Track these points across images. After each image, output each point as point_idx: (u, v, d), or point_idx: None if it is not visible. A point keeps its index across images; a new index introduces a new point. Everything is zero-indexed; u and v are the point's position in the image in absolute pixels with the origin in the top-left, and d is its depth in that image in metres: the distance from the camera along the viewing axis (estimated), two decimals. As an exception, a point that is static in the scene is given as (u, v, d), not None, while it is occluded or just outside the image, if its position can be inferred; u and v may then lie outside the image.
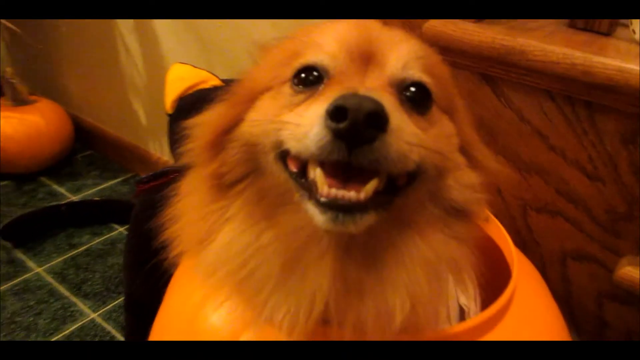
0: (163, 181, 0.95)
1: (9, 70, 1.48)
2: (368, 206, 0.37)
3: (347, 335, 0.45)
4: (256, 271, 0.44)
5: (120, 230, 1.34)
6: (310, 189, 0.39)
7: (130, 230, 1.00)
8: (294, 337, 0.45)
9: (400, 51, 0.42)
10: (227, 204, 0.45)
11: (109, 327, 1.07)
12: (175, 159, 0.91)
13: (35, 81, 1.66)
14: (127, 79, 1.50)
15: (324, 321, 0.46)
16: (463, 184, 0.44)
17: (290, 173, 0.41)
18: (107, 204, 1.42)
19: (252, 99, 0.45)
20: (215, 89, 0.84)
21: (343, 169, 0.37)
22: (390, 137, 0.35)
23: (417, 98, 0.42)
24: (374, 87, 0.39)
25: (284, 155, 0.41)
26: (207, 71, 0.85)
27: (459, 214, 0.44)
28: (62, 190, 1.50)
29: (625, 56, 0.73)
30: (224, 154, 0.45)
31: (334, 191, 0.37)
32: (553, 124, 0.79)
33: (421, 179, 0.42)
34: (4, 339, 1.03)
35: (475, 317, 0.54)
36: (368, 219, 0.38)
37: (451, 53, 0.83)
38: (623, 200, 0.77)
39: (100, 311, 1.11)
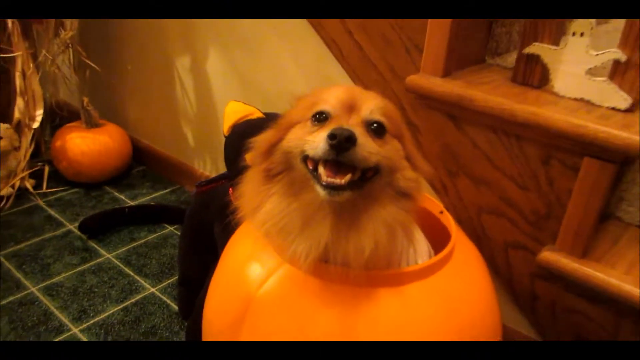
0: (215, 185, 1.25)
1: (85, 99, 1.76)
2: (346, 187, 0.66)
3: (337, 267, 0.75)
4: (287, 225, 0.74)
5: (170, 229, 1.61)
6: (318, 178, 0.69)
7: (186, 221, 1.26)
8: (306, 267, 0.75)
9: (369, 104, 0.72)
10: (272, 186, 0.75)
11: (164, 298, 1.33)
12: (227, 169, 1.20)
13: (104, 109, 1.91)
14: (180, 108, 1.76)
15: (324, 260, 0.76)
16: (406, 177, 0.73)
17: (308, 169, 0.72)
18: (160, 208, 1.69)
19: (289, 127, 0.76)
20: (258, 119, 1.12)
21: (335, 166, 0.68)
22: (358, 148, 0.65)
23: (377, 129, 0.71)
24: (353, 124, 0.68)
25: (305, 158, 0.71)
26: (253, 107, 1.17)
27: (404, 195, 0.73)
28: (122, 197, 1.78)
29: (541, 103, 1.01)
30: (272, 158, 0.76)
31: (329, 179, 0.67)
32: (496, 150, 1.02)
33: (381, 174, 0.71)
34: (86, 305, 1.31)
35: (423, 263, 0.84)
36: (346, 195, 0.67)
37: (426, 99, 1.12)
38: (543, 204, 0.99)
39: (158, 287, 1.37)
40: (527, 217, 1.04)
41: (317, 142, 0.67)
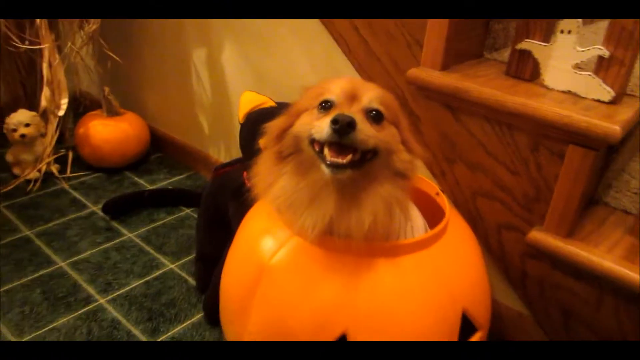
0: (231, 169, 1.35)
1: (106, 89, 1.85)
2: (347, 166, 0.76)
3: (341, 238, 0.84)
4: (296, 201, 0.83)
5: (187, 211, 1.70)
6: (323, 158, 0.78)
7: (203, 202, 1.35)
8: (313, 238, 0.84)
9: (369, 94, 0.81)
10: (283, 167, 0.85)
11: (182, 274, 1.42)
12: (242, 154, 1.30)
13: (124, 98, 2.00)
14: (196, 98, 1.85)
15: (329, 233, 0.85)
16: (402, 159, 0.82)
17: (315, 151, 0.81)
18: (178, 192, 1.78)
19: (298, 114, 0.85)
20: (271, 108, 1.21)
21: (338, 148, 0.77)
22: (357, 132, 0.74)
23: (375, 116, 0.79)
24: (354, 111, 0.77)
25: (312, 141, 0.81)
26: (266, 96, 1.26)
27: (400, 175, 0.82)
28: (141, 181, 1.87)
29: (531, 95, 1.10)
30: (283, 141, 0.85)
31: (333, 159, 0.76)
32: (489, 138, 1.10)
33: (379, 156, 0.81)
34: (111, 279, 1.42)
35: (419, 237, 0.93)
36: (347, 173, 0.76)
37: (425, 90, 1.21)
38: (532, 188, 1.07)
39: (177, 263, 1.46)
40: (518, 200, 1.13)
41: (322, 126, 0.76)
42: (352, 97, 0.80)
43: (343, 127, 0.73)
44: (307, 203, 0.82)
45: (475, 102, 1.08)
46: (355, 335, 0.84)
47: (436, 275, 0.89)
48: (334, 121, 0.73)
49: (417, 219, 0.99)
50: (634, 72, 1.13)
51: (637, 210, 1.13)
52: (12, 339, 1.20)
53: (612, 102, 1.03)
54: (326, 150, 0.77)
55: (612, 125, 0.94)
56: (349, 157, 0.76)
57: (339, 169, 0.76)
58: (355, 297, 0.85)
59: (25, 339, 1.20)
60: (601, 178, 1.19)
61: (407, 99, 1.23)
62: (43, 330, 1.23)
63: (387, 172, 0.82)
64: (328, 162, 0.76)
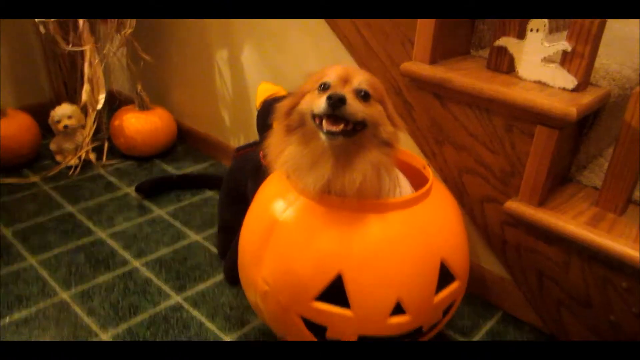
0: (249, 150, 1.54)
1: (139, 86, 2.06)
2: (340, 134, 0.93)
3: (336, 197, 1.03)
4: (300, 165, 1.01)
5: (210, 193, 1.89)
6: (321, 128, 0.97)
7: (225, 179, 1.52)
8: (314, 194, 1.03)
9: (358, 78, 0.98)
10: (290, 137, 1.03)
11: (206, 244, 1.61)
12: (259, 136, 1.49)
13: (154, 94, 2.19)
14: (218, 94, 2.04)
15: (327, 192, 1.04)
16: (387, 131, 1.00)
17: (315, 123, 0.99)
18: (202, 177, 1.97)
19: (303, 95, 1.04)
20: (283, 96, 1.40)
21: (333, 119, 0.95)
22: (347, 106, 0.91)
23: (364, 95, 0.96)
24: (345, 91, 0.94)
25: (313, 116, 1.00)
26: (280, 87, 1.46)
27: (386, 144, 1.00)
28: (169, 168, 2.07)
29: (506, 84, 1.25)
30: (291, 117, 1.04)
31: (328, 127, 0.94)
32: (471, 121, 1.26)
33: (368, 127, 0.98)
34: (144, 247, 1.63)
35: (405, 196, 1.11)
36: (340, 139, 0.94)
37: (416, 81, 1.38)
38: (508, 164, 1.23)
39: (200, 235, 1.65)
40: (496, 175, 1.30)
41: (320, 103, 0.95)
42: (345, 80, 0.99)
43: (336, 102, 0.92)
44: (309, 166, 1.01)
45: (458, 91, 1.26)
46: (348, 276, 1.02)
47: (419, 230, 1.07)
48: (329, 97, 0.92)
49: (406, 186, 1.17)
50: (604, 66, 1.30)
51: (601, 184, 1.28)
52: (62, 292, 1.41)
53: (576, 90, 1.20)
54: (324, 122, 0.96)
55: (570, 107, 1.11)
56: (341, 126, 0.94)
57: (333, 136, 0.95)
58: (349, 245, 1.03)
59: (72, 292, 1.41)
60: (573, 159, 1.36)
61: (401, 89, 1.41)
62: (87, 285, 1.43)
63: (374, 141, 1.01)
64: (325, 131, 0.95)
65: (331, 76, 1.00)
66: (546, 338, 1.35)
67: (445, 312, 1.17)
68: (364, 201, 1.03)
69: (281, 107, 1.06)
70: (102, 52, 2.02)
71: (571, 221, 1.20)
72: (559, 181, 1.35)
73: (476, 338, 1.33)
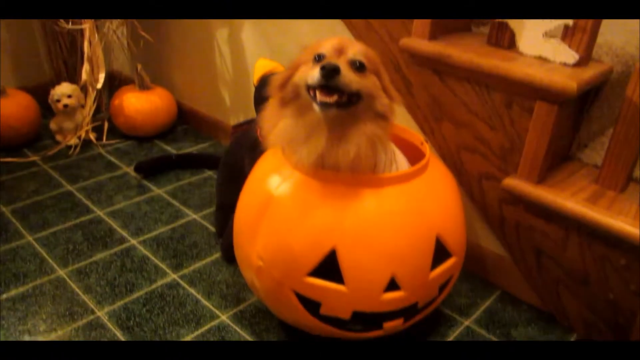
0: (247, 127, 1.53)
1: (139, 65, 2.04)
2: (333, 105, 0.92)
3: (329, 170, 1.01)
4: (294, 137, 1.01)
5: (209, 173, 1.88)
6: (315, 99, 0.96)
7: (224, 157, 1.51)
8: (307, 167, 1.02)
9: (353, 49, 0.97)
10: (285, 110, 1.02)
11: (204, 222, 1.61)
12: (256, 113, 1.47)
13: (154, 75, 2.18)
14: (218, 74, 2.02)
15: (321, 166, 1.03)
16: (382, 103, 0.99)
17: (310, 95, 0.98)
18: (201, 156, 1.96)
19: (297, 67, 1.02)
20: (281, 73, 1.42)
21: (327, 91, 0.93)
22: (341, 76, 0.90)
23: (358, 67, 0.95)
24: (340, 62, 0.93)
25: (308, 87, 0.98)
26: (277, 62, 1.44)
27: (381, 116, 0.99)
28: (168, 148, 2.06)
29: (505, 59, 1.24)
30: (285, 89, 1.02)
31: (321, 98, 0.93)
32: (470, 98, 1.24)
33: (363, 99, 0.97)
34: (142, 225, 1.63)
35: (401, 170, 1.10)
36: (334, 111, 0.93)
37: (416, 57, 1.37)
38: (507, 141, 1.21)
39: (199, 214, 1.65)
40: (495, 152, 1.28)
41: (314, 73, 0.93)
42: (340, 51, 0.97)
43: (329, 72, 0.90)
44: (303, 139, 1.00)
45: (457, 66, 1.24)
46: (342, 250, 1.01)
47: (414, 206, 1.06)
48: (322, 68, 0.90)
49: (402, 162, 1.16)
50: (608, 42, 1.28)
51: (602, 162, 1.26)
52: (59, 270, 1.41)
53: (577, 65, 1.17)
54: (318, 93, 0.94)
55: (570, 81, 1.09)
56: (335, 97, 0.93)
57: (327, 107, 0.93)
58: (343, 220, 1.02)
59: (69, 269, 1.41)
60: (574, 137, 1.34)
61: (400, 65, 1.39)
62: (84, 262, 1.44)
63: (369, 113, 0.99)
64: (318, 102, 0.93)
65: (326, 47, 0.98)
66: (544, 316, 1.34)
67: (442, 289, 1.17)
68: (358, 175, 1.02)
69: (275, 79, 1.05)
70: (102, 31, 2.00)
71: (570, 198, 1.18)
72: (560, 159, 1.33)
73: (474, 316, 1.32)
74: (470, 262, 1.48)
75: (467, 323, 1.30)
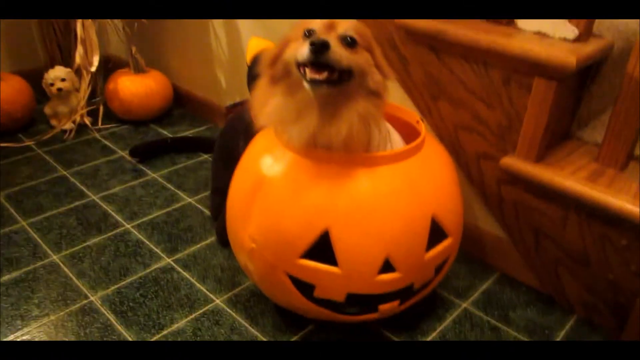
0: (241, 108, 1.51)
1: (134, 48, 2.02)
2: (324, 82, 0.89)
3: (321, 149, 0.99)
4: (286, 116, 0.98)
5: (205, 157, 1.86)
6: (304, 75, 0.93)
7: (218, 140, 1.48)
8: (299, 146, 0.99)
9: (344, 25, 0.93)
10: (275, 89, 0.99)
11: (199, 206, 1.59)
12: (250, 92, 1.45)
13: (149, 57, 2.15)
14: (214, 56, 1.99)
15: (313, 145, 1.00)
16: (375, 80, 0.96)
17: (300, 73, 0.95)
18: (197, 140, 1.95)
19: (287, 43, 0.99)
20: None
21: (317, 67, 0.90)
22: (331, 52, 0.87)
23: (350, 42, 0.92)
24: (330, 37, 0.90)
25: (298, 64, 0.96)
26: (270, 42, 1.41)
27: (374, 94, 0.97)
28: (164, 132, 2.04)
29: (503, 35, 1.21)
30: (275, 67, 1.00)
31: (311, 75, 0.90)
32: (468, 75, 1.21)
33: (355, 77, 0.94)
34: (136, 209, 1.61)
35: (395, 149, 1.07)
36: (324, 88, 0.90)
37: (412, 34, 1.34)
38: (506, 119, 1.19)
39: (194, 198, 1.63)
40: (493, 130, 1.25)
41: (303, 49, 0.91)
42: (331, 27, 0.94)
43: (318, 47, 0.87)
44: (294, 118, 0.97)
45: (453, 42, 1.21)
46: (335, 231, 0.99)
47: (409, 185, 1.03)
48: (311, 43, 0.88)
49: (397, 141, 1.13)
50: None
51: (603, 140, 1.23)
52: (53, 254, 1.39)
53: (577, 40, 1.14)
54: (307, 70, 0.91)
55: (569, 56, 1.06)
56: (325, 74, 0.90)
57: (317, 85, 0.90)
58: (336, 200, 0.99)
59: (62, 254, 1.39)
60: (574, 115, 1.31)
61: (397, 43, 1.36)
62: (78, 247, 1.42)
63: (362, 91, 0.96)
64: (308, 79, 0.91)
65: (316, 23, 0.95)
66: (543, 298, 1.32)
67: (438, 270, 1.15)
68: (352, 155, 1.00)
69: (265, 57, 1.02)
70: (94, 13, 1.97)
71: (569, 176, 1.15)
72: (559, 138, 1.30)
73: (471, 299, 1.31)
74: (468, 244, 1.46)
75: (464, 305, 1.29)
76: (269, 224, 1.05)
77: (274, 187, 1.04)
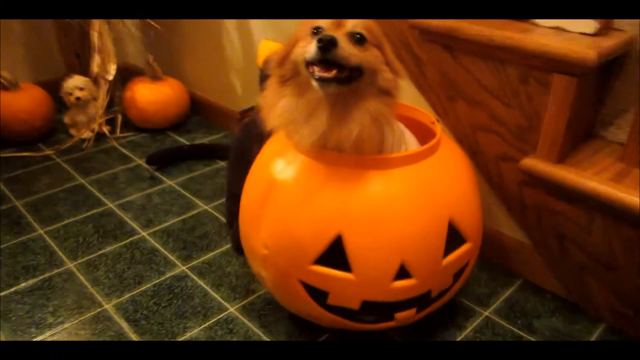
0: (254, 113, 1.49)
1: (150, 57, 2.03)
2: (332, 80, 0.86)
3: (332, 151, 0.96)
4: (295, 117, 0.95)
5: (222, 164, 1.85)
6: (313, 74, 0.90)
7: (233, 146, 1.47)
8: (308, 147, 0.96)
9: (353, 21, 0.89)
10: (284, 89, 0.96)
11: (215, 213, 1.58)
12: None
13: (166, 65, 2.16)
14: (228, 63, 1.99)
15: (323, 146, 0.98)
16: (386, 78, 0.93)
17: (308, 71, 0.92)
18: (214, 147, 1.93)
19: (296, 43, 0.97)
20: None
21: (326, 65, 0.87)
22: (339, 49, 0.84)
23: (359, 39, 0.89)
24: (338, 34, 0.87)
25: (307, 63, 0.93)
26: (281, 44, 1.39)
27: (385, 92, 0.94)
28: (182, 139, 2.04)
29: (519, 31, 1.17)
30: (284, 67, 0.97)
31: (319, 74, 0.87)
32: (484, 74, 1.17)
33: (365, 75, 0.91)
34: (152, 217, 1.60)
35: (410, 150, 1.04)
36: (333, 87, 0.87)
37: (425, 33, 1.31)
38: (525, 119, 1.15)
39: (210, 205, 1.62)
40: (512, 131, 1.21)
41: (311, 47, 0.88)
42: (339, 24, 0.92)
43: (326, 45, 0.85)
44: (304, 118, 0.95)
45: (468, 40, 1.17)
46: (348, 236, 0.96)
47: (424, 188, 1.00)
48: (319, 40, 0.85)
49: (413, 143, 1.10)
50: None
51: (629, 139, 1.18)
52: (69, 262, 1.39)
53: (597, 34, 1.10)
54: (315, 68, 0.89)
55: (589, 50, 1.02)
56: (334, 72, 0.87)
57: (325, 83, 0.88)
58: (348, 204, 0.97)
59: (78, 262, 1.39)
60: (597, 114, 1.26)
61: (411, 43, 1.33)
62: (93, 255, 1.42)
63: (372, 90, 0.93)
64: (316, 77, 0.88)
65: (324, 21, 0.93)
66: (569, 306, 1.27)
67: (457, 277, 1.11)
68: (364, 157, 0.97)
69: (274, 56, 1.00)
70: (111, 22, 1.98)
71: (593, 177, 1.11)
72: (582, 138, 1.25)
73: (493, 307, 1.26)
74: (489, 250, 1.41)
75: (486, 313, 1.24)
76: (280, 230, 1.02)
77: (285, 191, 1.02)
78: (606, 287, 1.19)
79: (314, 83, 0.89)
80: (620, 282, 1.16)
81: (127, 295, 1.27)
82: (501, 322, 1.21)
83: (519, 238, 1.36)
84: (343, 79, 0.89)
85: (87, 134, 2.01)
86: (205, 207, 1.62)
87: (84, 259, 1.40)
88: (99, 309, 1.23)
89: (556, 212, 1.21)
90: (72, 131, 2.06)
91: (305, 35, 0.95)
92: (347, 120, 0.93)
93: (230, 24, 1.93)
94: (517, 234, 1.36)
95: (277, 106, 0.98)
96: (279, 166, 1.05)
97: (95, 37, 1.92)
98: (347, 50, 0.87)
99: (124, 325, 1.19)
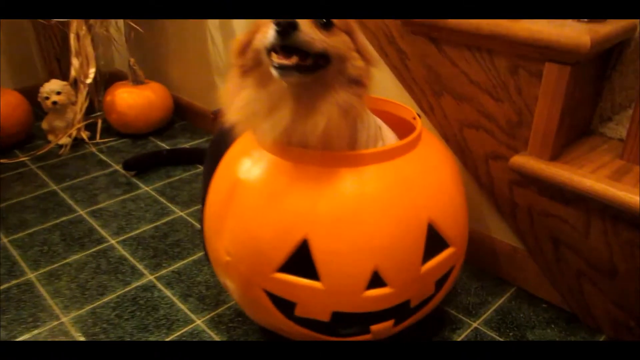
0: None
1: (132, 60, 1.97)
2: (293, 68, 0.78)
3: (298, 148, 0.87)
4: (256, 110, 0.87)
5: (201, 168, 1.77)
6: (272, 61, 0.81)
7: (209, 148, 1.42)
8: (270, 143, 0.88)
9: None
10: (246, 80, 0.88)
11: (190, 220, 1.49)
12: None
13: (148, 68, 2.10)
14: (212, 65, 1.92)
15: (288, 142, 0.88)
16: (356, 66, 0.84)
17: (269, 59, 0.84)
18: (193, 152, 1.87)
19: (258, 29, 0.89)
20: None
21: (287, 52, 0.79)
22: (300, 33, 0.75)
23: (325, 24, 0.80)
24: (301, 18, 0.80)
25: (268, 51, 0.85)
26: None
27: (355, 82, 0.84)
28: (164, 145, 1.96)
29: (507, 19, 1.09)
30: (245, 56, 0.89)
31: (279, 61, 0.79)
32: (471, 66, 1.09)
33: (332, 62, 0.82)
34: (124, 224, 1.50)
35: (385, 146, 0.95)
36: (295, 76, 0.78)
37: (409, 24, 1.22)
38: (515, 113, 1.07)
39: (186, 211, 1.53)
40: (502, 127, 1.12)
41: (271, 32, 0.80)
42: None
43: (285, 28, 0.76)
44: (266, 111, 0.86)
45: (454, 29, 1.09)
46: (314, 241, 0.87)
47: (400, 186, 0.90)
48: (277, 24, 0.76)
49: (390, 139, 1.01)
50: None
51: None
52: (29, 273, 1.30)
53: (594, 21, 1.01)
54: (274, 54, 0.80)
55: (582, 35, 0.93)
56: (295, 59, 0.78)
57: (286, 71, 0.79)
58: (315, 205, 0.87)
59: (40, 272, 1.30)
60: (595, 108, 1.17)
61: (394, 36, 1.24)
62: (56, 265, 1.33)
63: (341, 79, 0.84)
64: (276, 65, 0.79)
65: None
66: (565, 315, 1.16)
67: (440, 285, 1.01)
68: (334, 153, 0.88)
69: (235, 44, 0.91)
70: (89, 23, 1.91)
71: (589, 175, 1.01)
72: (578, 134, 1.16)
73: (483, 317, 1.16)
74: (478, 256, 1.31)
75: (475, 324, 1.14)
76: (243, 235, 0.93)
77: (249, 192, 0.93)
78: (605, 295, 1.09)
79: (274, 71, 0.80)
80: (621, 290, 1.06)
81: (87, 307, 1.18)
82: (492, 334, 1.11)
83: (511, 243, 1.26)
84: (306, 67, 0.80)
85: (64, 140, 1.94)
86: (181, 213, 1.54)
87: (46, 269, 1.31)
88: (55, 322, 1.14)
89: (550, 214, 1.12)
90: (50, 137, 1.98)
91: (267, 21, 0.86)
92: (312, 112, 0.84)
93: (212, 25, 1.85)
94: (509, 239, 1.26)
95: (237, 98, 0.89)
96: (245, 165, 0.96)
97: (72, 39, 1.84)
98: (309, 34, 0.78)
99: (81, 339, 1.09)
